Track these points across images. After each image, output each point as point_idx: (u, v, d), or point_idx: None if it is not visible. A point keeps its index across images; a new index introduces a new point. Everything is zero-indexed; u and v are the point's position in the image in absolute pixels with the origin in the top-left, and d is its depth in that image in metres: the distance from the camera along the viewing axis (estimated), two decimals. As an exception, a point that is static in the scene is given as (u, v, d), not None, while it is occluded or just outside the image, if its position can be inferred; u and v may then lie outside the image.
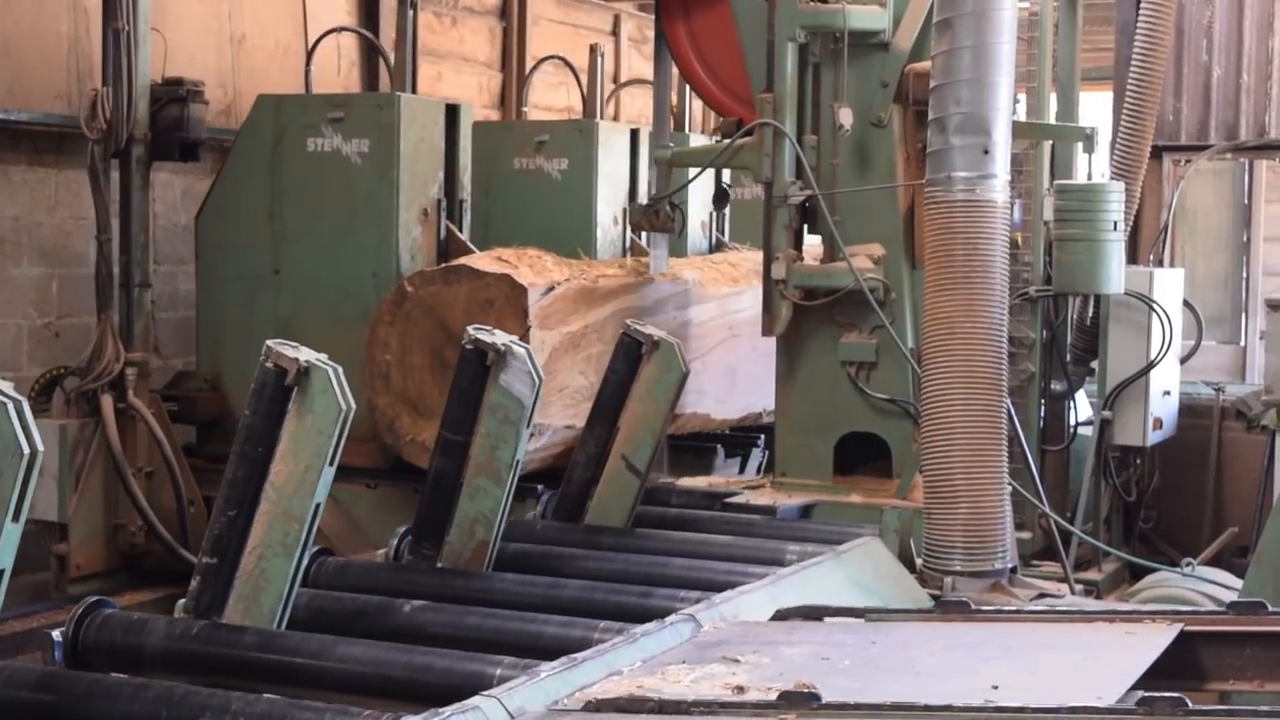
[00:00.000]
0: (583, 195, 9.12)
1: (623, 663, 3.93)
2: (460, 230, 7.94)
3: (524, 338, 6.60)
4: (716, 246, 9.95)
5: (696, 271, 8.64)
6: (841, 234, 7.05)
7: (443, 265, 7.48)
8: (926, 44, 6.74)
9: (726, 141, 7.41)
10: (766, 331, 7.32)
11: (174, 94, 7.99)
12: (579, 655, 3.91)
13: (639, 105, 12.79)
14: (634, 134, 9.50)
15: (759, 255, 8.50)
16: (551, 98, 12.12)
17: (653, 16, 8.16)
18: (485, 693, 3.60)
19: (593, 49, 9.95)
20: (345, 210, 7.74)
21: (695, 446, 8.96)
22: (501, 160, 9.24)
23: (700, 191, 9.47)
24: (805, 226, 7.28)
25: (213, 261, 8.15)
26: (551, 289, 7.23)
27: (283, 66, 9.61)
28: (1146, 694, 3.22)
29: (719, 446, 9.19)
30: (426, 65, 10.89)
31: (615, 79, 13.48)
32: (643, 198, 9.01)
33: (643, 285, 7.96)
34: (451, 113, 7.97)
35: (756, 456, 9.25)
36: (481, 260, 7.33)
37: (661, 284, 8.10)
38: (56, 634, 4.40)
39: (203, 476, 7.91)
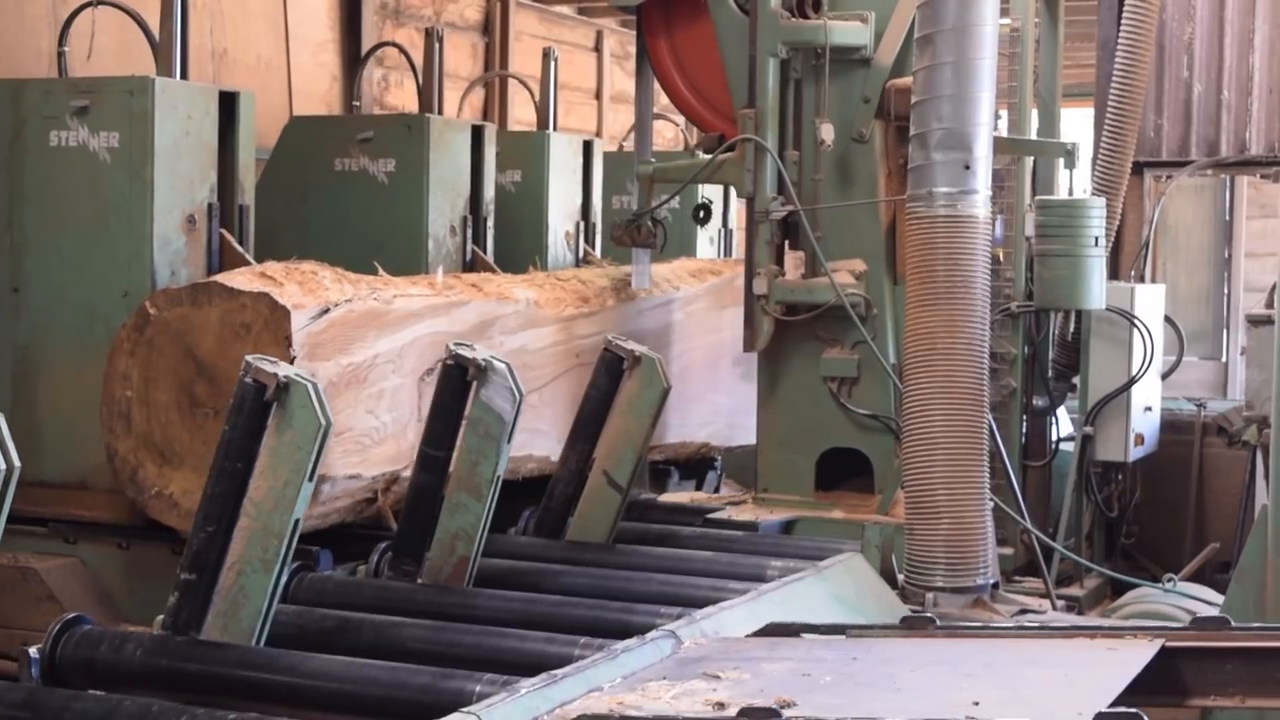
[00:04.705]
0: (413, 201, 7.90)
1: (603, 679, 3.93)
2: (240, 242, 6.68)
3: None
4: (584, 260, 9.11)
5: (535, 290, 7.31)
6: (823, 249, 7.06)
7: (191, 284, 6.26)
8: (908, 60, 6.76)
9: (708, 157, 7.40)
10: (748, 347, 7.31)
11: None
12: (559, 672, 3.90)
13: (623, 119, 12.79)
14: (476, 131, 8.24)
15: (619, 271, 8.18)
16: (531, 111, 12.11)
17: (634, 32, 8.16)
18: (465, 709, 3.60)
19: (429, 33, 8.93)
20: (93, 217, 6.47)
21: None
22: (321, 160, 8.03)
23: (562, 201, 9.08)
24: (787, 242, 7.28)
25: None
26: (326, 311, 6.00)
27: (264, 84, 9.57)
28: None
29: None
30: (409, 80, 10.88)
31: (598, 94, 13.51)
32: (487, 204, 8.31)
33: (455, 306, 6.71)
34: (228, 101, 6.64)
35: None
36: (239, 277, 6.09)
37: (484, 303, 6.86)
38: (33, 650, 4.39)
39: None
